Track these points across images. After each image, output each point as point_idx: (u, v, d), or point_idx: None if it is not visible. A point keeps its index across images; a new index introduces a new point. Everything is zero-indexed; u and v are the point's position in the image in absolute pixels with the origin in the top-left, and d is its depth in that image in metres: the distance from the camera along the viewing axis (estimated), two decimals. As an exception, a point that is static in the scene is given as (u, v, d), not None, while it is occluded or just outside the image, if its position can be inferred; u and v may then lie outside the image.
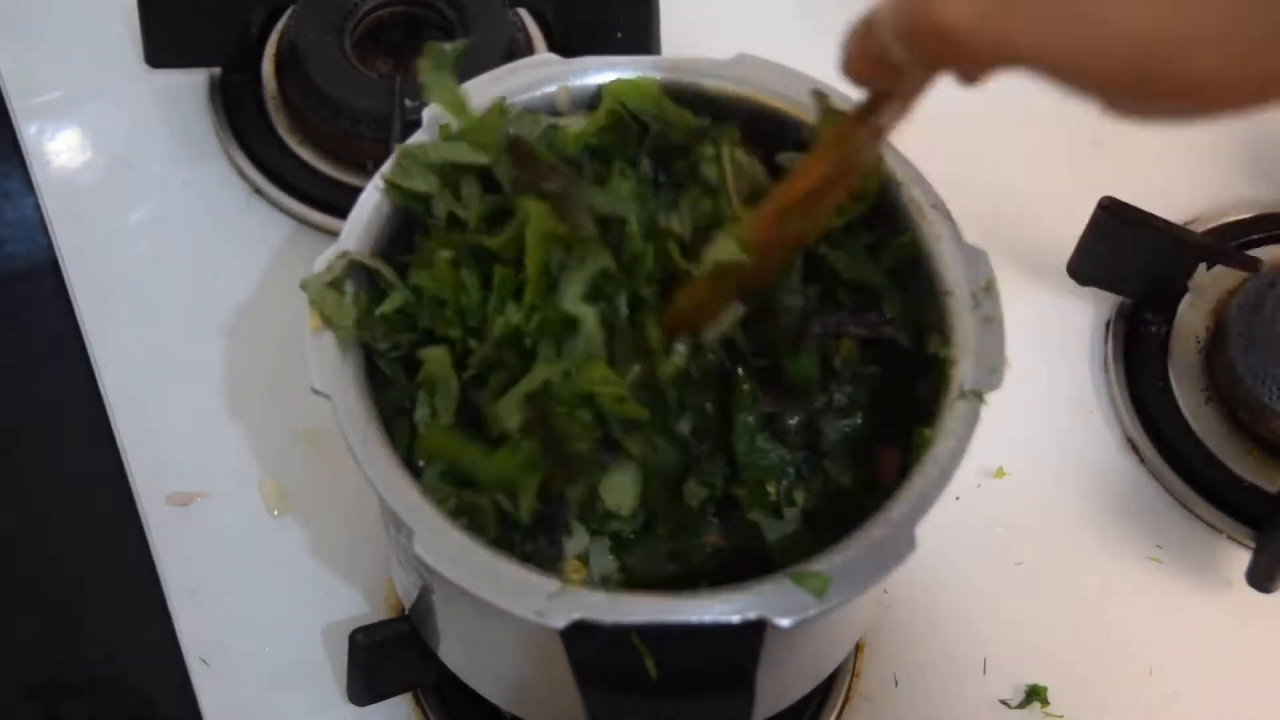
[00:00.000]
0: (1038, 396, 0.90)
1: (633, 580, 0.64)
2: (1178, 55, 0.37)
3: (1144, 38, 0.37)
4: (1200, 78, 0.37)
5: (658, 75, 0.68)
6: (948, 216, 0.65)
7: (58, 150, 0.98)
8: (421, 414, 0.63)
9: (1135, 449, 0.89)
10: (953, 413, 0.60)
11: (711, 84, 0.68)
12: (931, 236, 0.64)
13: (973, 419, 0.59)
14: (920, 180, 0.65)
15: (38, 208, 0.96)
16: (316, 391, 0.60)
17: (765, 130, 0.68)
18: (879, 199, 0.66)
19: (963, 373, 0.61)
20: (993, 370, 0.60)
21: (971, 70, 0.48)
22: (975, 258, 0.63)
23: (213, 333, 0.90)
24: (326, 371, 0.60)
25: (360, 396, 0.60)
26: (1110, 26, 0.38)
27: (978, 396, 0.60)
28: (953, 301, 0.63)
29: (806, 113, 0.66)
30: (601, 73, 0.69)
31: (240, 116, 0.97)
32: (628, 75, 0.68)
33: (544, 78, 0.68)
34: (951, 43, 0.44)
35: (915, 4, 0.46)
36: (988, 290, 0.63)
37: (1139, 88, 0.39)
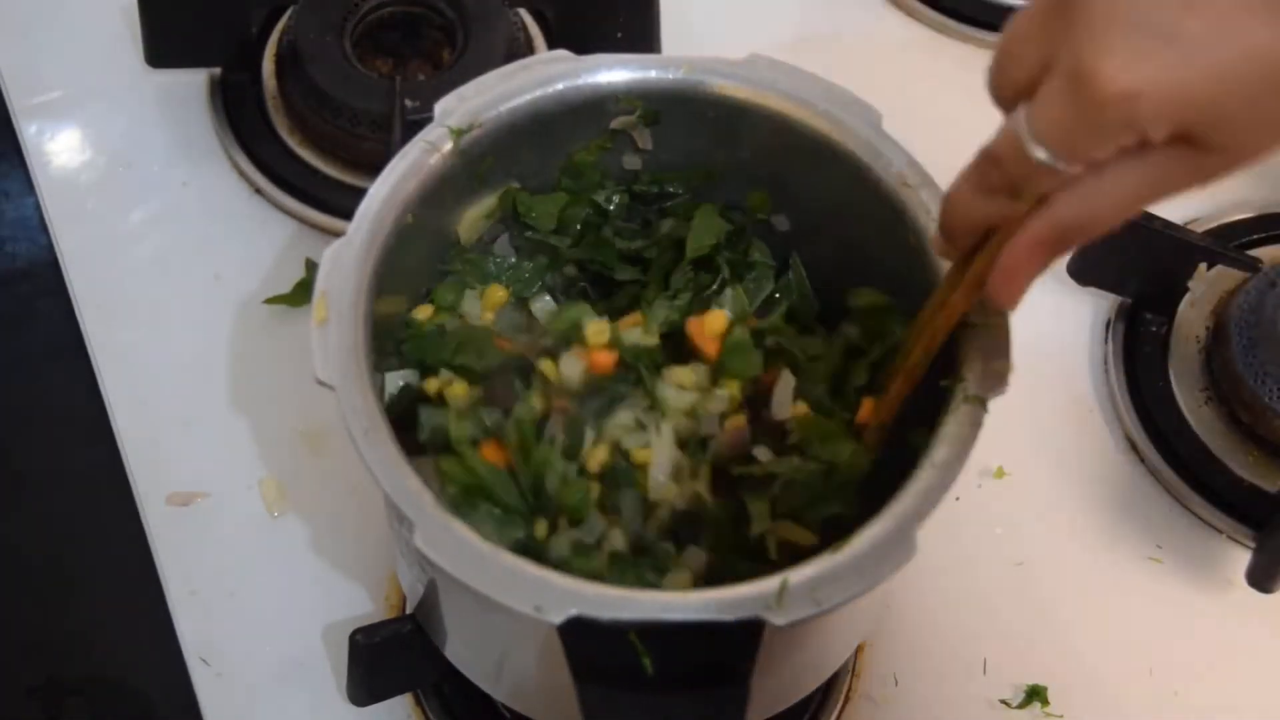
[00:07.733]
0: (1038, 396, 0.90)
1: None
2: None
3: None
4: None
5: (669, 74, 0.68)
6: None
7: (58, 150, 0.98)
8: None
9: (1135, 449, 0.89)
10: (955, 418, 0.60)
11: (722, 86, 0.68)
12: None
13: (975, 425, 0.59)
14: (929, 183, 0.65)
15: (38, 208, 0.96)
16: (321, 382, 0.59)
17: (774, 136, 0.68)
18: (886, 203, 0.66)
19: (967, 377, 0.60)
20: (997, 377, 0.60)
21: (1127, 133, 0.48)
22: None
23: (213, 333, 0.90)
24: (330, 363, 0.60)
25: (363, 388, 0.60)
26: (1240, 44, 0.41)
27: (980, 403, 0.60)
28: None
29: (816, 118, 0.67)
30: (613, 70, 0.69)
31: (240, 116, 0.97)
32: (640, 73, 0.69)
33: (555, 74, 0.68)
34: (1133, 107, 0.45)
35: (1079, 88, 0.46)
36: None
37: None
